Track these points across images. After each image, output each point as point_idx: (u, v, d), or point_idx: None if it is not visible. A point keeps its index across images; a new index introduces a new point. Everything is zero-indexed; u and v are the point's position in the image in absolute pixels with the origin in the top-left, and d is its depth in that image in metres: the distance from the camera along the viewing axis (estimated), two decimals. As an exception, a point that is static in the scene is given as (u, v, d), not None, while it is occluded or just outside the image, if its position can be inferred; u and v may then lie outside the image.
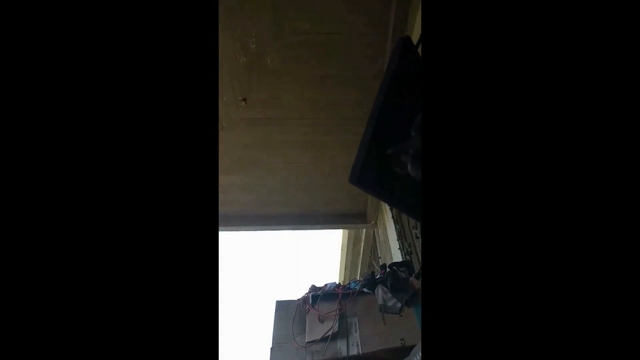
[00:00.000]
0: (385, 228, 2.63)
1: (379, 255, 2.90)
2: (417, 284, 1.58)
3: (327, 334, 1.49)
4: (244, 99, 1.83)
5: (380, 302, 1.55)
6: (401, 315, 1.48)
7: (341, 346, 1.45)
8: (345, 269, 3.74)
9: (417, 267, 1.76)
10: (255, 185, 2.45)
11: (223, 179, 2.33)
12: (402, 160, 0.72)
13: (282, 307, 1.74)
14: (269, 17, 1.50)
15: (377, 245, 3.03)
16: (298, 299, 1.74)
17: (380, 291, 1.58)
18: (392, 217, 2.28)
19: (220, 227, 2.49)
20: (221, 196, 2.44)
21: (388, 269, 1.76)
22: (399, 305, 1.50)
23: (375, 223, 2.89)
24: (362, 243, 3.37)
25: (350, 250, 3.56)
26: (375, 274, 1.76)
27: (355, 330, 1.50)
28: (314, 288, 1.77)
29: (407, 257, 1.94)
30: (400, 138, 0.76)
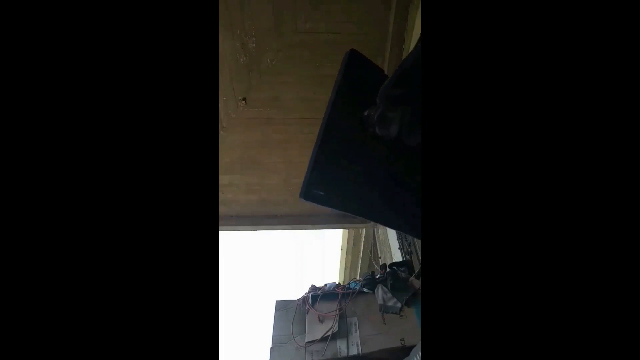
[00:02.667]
0: (385, 228, 2.62)
1: (379, 255, 2.90)
2: (417, 284, 1.58)
3: (327, 334, 1.49)
4: (244, 99, 1.84)
5: (380, 302, 1.55)
6: (401, 315, 1.48)
7: (341, 346, 1.45)
8: (345, 269, 3.74)
9: (417, 267, 1.76)
10: (255, 185, 2.45)
11: (223, 179, 2.33)
12: (371, 123, 0.82)
13: (282, 307, 1.74)
14: (269, 17, 1.50)
15: (377, 245, 3.03)
16: (298, 299, 1.74)
17: (380, 291, 1.59)
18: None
19: (220, 227, 2.49)
20: (221, 196, 2.45)
21: (388, 269, 1.76)
22: (399, 305, 1.51)
23: (376, 223, 2.88)
24: (362, 243, 3.37)
25: (350, 250, 3.56)
26: (375, 274, 1.76)
27: (355, 330, 1.50)
28: (314, 288, 1.77)
29: (407, 257, 1.94)
30: (349, 148, 0.86)
